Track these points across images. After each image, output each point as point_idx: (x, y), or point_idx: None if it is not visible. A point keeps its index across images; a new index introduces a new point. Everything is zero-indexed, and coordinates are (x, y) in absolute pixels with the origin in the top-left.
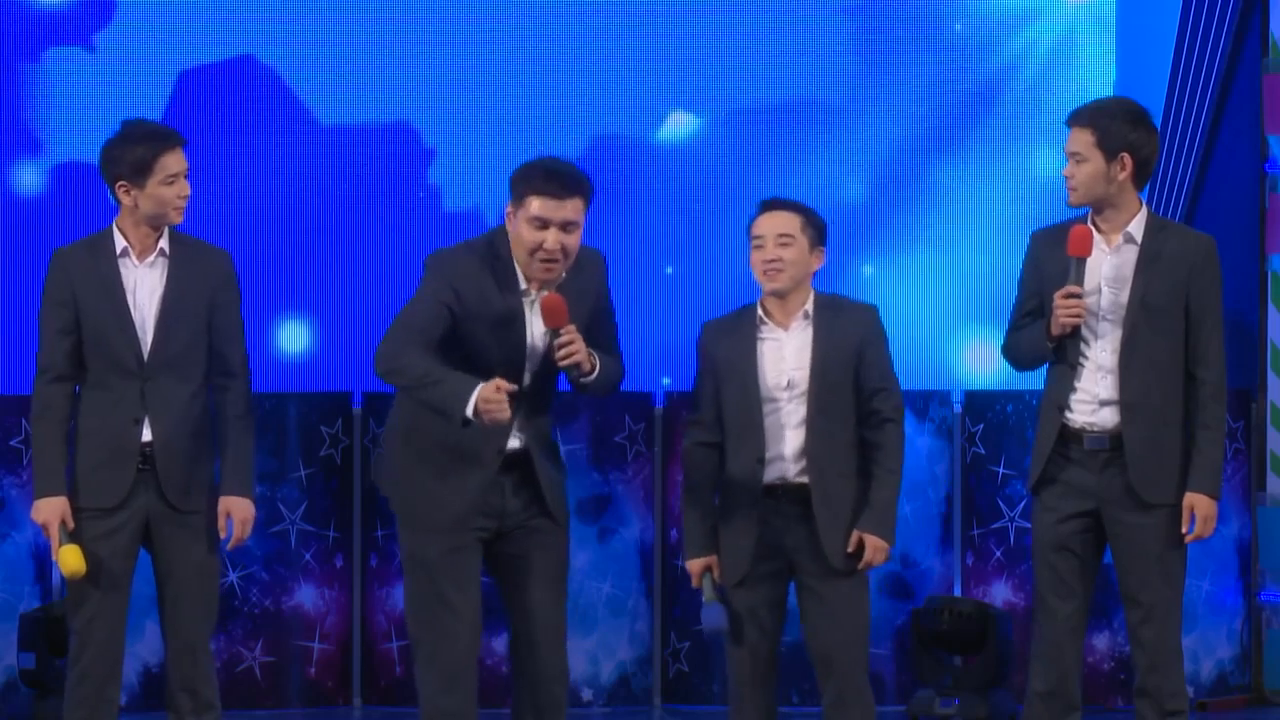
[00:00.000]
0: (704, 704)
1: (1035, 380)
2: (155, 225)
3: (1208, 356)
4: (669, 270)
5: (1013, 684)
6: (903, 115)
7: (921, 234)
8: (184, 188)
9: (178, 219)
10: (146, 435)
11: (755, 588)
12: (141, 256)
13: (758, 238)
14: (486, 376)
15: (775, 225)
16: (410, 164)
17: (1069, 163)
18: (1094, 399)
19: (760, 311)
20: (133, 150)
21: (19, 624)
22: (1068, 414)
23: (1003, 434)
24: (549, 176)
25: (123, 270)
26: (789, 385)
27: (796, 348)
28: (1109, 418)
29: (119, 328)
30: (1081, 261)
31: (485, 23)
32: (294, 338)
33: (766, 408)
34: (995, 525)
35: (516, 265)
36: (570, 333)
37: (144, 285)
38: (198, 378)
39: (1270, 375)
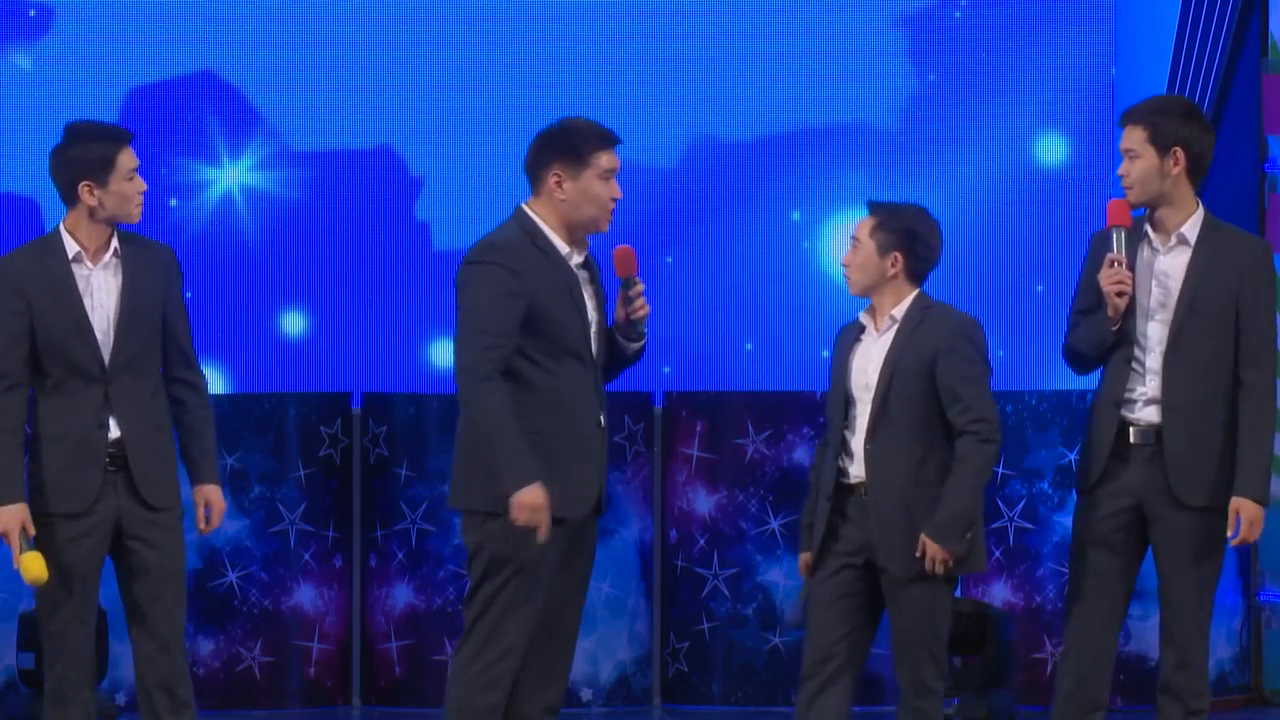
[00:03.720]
0: (703, 704)
1: (1035, 380)
2: (113, 224)
3: (1257, 360)
4: (669, 260)
5: (1012, 684)
6: (899, 113)
7: None
8: (141, 184)
9: (138, 216)
10: (114, 436)
11: (824, 579)
12: (96, 258)
13: None
14: (563, 356)
15: (856, 227)
16: (395, 192)
17: (1124, 161)
18: (1141, 397)
19: (864, 313)
20: (92, 148)
21: (19, 624)
22: (1124, 411)
23: (1002, 434)
24: (604, 131)
25: (77, 274)
26: (868, 387)
27: (880, 350)
28: (1153, 415)
29: (78, 333)
30: (1121, 231)
31: (480, 37)
32: (294, 329)
33: (850, 407)
34: (995, 525)
35: (551, 235)
36: (641, 284)
37: (101, 288)
38: (155, 375)
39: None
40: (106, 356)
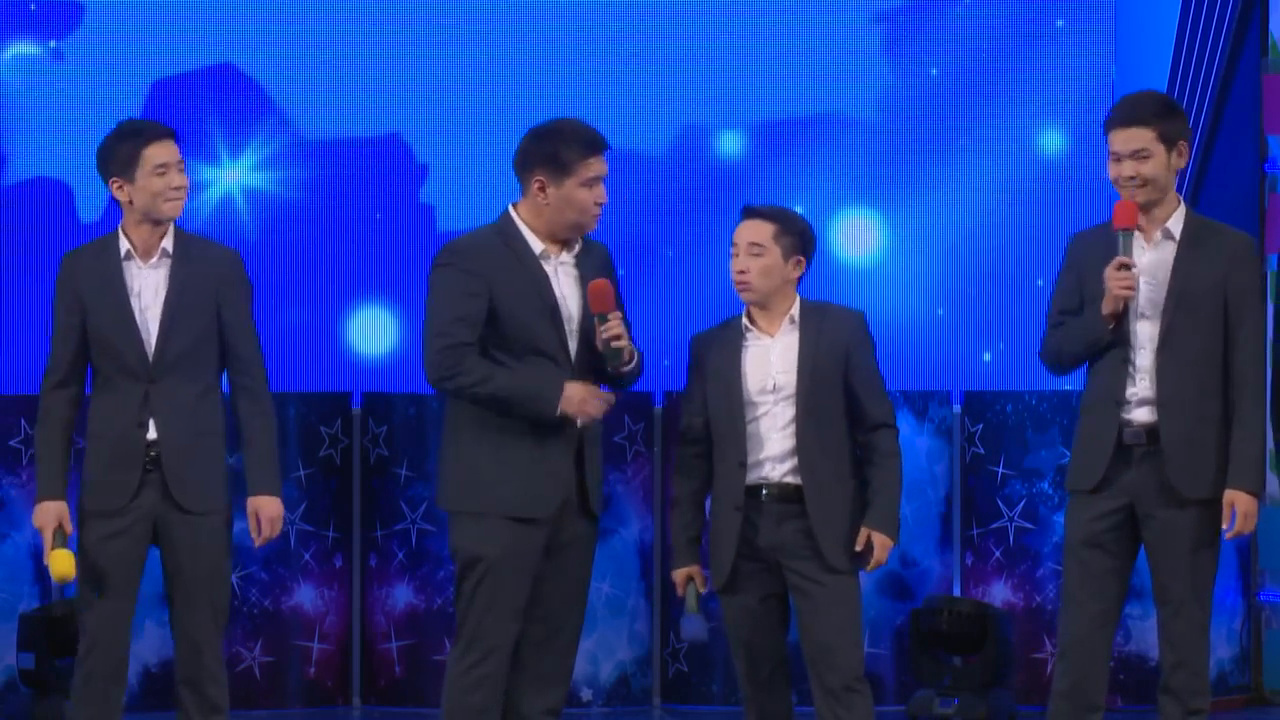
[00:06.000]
0: (703, 704)
1: (1035, 381)
2: (154, 221)
3: (1246, 353)
4: (670, 254)
5: (1012, 684)
6: (899, 112)
7: (920, 232)
8: (176, 179)
9: (173, 211)
10: (152, 437)
11: (743, 589)
12: (145, 257)
13: (733, 246)
14: (529, 355)
15: (747, 234)
16: (402, 180)
17: (1129, 162)
18: (1134, 398)
19: (745, 320)
20: (121, 145)
21: (19, 624)
22: (1120, 412)
23: (1002, 434)
24: (593, 137)
25: (127, 273)
26: (774, 389)
27: (782, 351)
28: (1147, 414)
29: (124, 331)
30: (1129, 233)
31: (484, 32)
32: (294, 328)
33: (749, 412)
34: (994, 525)
35: (530, 236)
36: (617, 319)
37: (149, 287)
38: (206, 377)
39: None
40: (150, 356)
